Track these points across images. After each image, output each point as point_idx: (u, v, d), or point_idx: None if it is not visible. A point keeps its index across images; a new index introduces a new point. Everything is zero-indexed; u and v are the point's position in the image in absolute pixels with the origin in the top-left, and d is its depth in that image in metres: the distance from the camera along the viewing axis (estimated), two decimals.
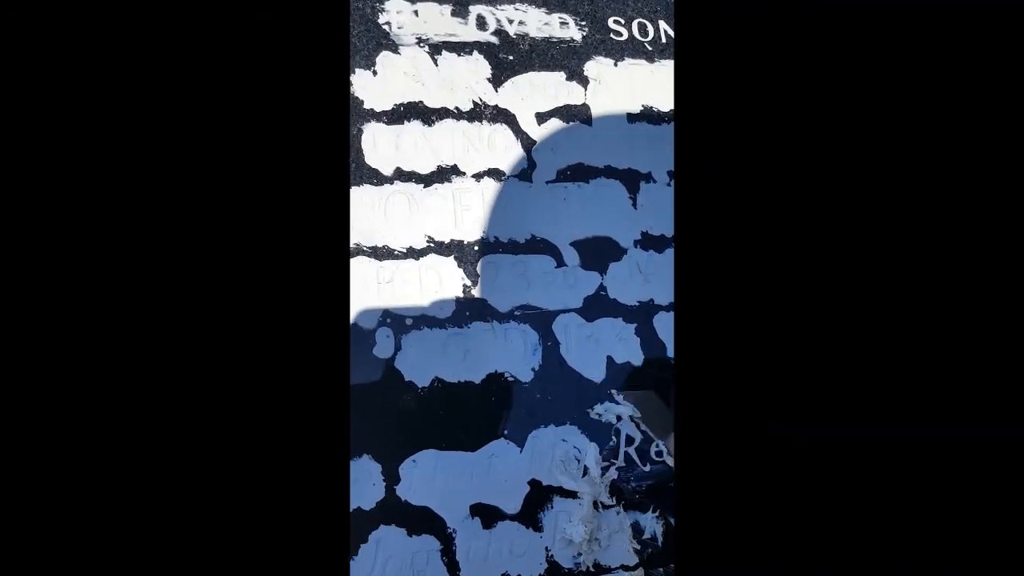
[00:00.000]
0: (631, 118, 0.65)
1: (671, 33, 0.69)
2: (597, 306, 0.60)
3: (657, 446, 0.56)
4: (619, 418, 0.56)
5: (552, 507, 0.54)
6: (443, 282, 0.58)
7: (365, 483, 0.53)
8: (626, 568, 0.54)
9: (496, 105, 0.63)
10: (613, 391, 0.57)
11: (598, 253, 0.61)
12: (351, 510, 0.52)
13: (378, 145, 0.60)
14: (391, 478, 0.53)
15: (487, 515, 0.53)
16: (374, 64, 0.62)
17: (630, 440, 0.56)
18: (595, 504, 0.55)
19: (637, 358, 0.59)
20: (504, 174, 0.62)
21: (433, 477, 0.54)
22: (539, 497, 0.54)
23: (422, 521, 0.53)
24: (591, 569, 0.54)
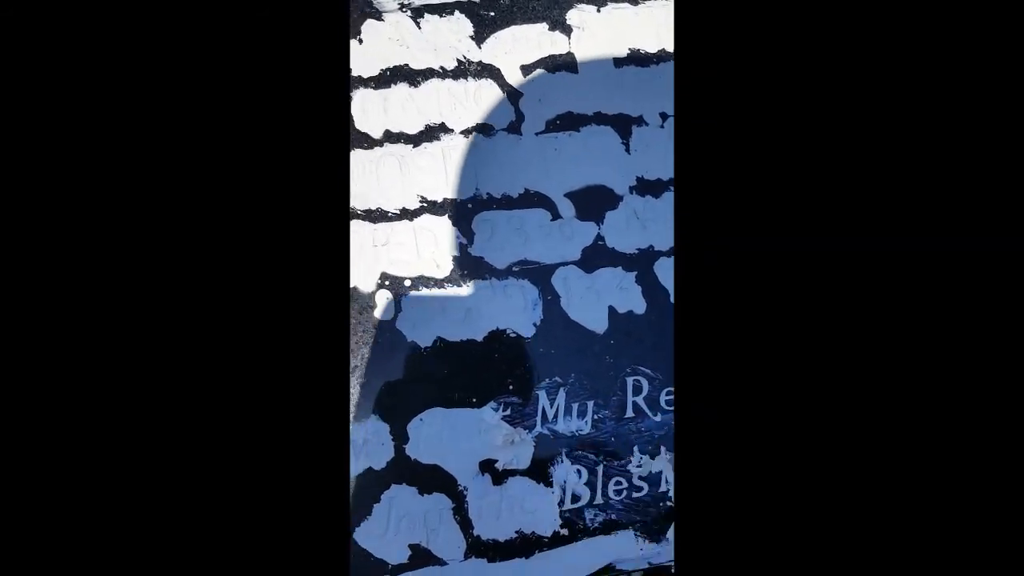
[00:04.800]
0: (618, 62, 0.64)
1: None
2: (596, 257, 0.60)
3: (668, 393, 0.55)
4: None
5: (562, 461, 0.54)
6: (439, 242, 0.58)
7: (375, 444, 0.53)
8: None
9: (480, 61, 0.62)
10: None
11: (593, 202, 0.61)
12: (363, 471, 0.52)
13: (367, 110, 0.60)
14: (399, 437, 0.53)
15: (497, 471, 0.53)
16: (359, 33, 0.61)
17: (637, 389, 0.56)
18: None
19: (640, 307, 0.59)
20: (493, 129, 0.61)
21: (441, 435, 0.54)
22: (548, 452, 0.54)
23: (433, 479, 0.53)
24: (599, 526, 0.54)
